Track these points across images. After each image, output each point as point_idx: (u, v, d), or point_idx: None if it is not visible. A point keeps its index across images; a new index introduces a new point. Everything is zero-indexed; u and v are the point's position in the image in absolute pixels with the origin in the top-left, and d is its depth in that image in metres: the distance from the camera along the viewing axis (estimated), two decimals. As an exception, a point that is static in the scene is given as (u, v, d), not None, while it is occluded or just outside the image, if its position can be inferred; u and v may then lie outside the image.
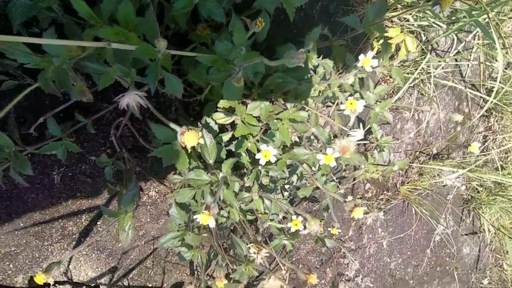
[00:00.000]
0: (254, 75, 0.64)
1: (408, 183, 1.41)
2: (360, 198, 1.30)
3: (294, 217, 0.56)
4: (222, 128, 0.74)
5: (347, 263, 1.35)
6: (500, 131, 1.68)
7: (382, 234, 1.42)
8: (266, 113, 0.60)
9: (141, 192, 0.88)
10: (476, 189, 1.72)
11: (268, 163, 0.64)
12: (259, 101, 0.60)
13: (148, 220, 0.90)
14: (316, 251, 1.25)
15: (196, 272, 0.96)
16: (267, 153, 0.55)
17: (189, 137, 0.38)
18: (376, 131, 1.04)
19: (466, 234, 1.84)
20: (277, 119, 0.63)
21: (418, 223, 1.55)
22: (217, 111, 0.62)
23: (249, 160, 0.67)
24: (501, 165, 1.62)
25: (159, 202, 0.90)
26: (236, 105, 0.59)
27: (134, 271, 0.93)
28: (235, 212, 0.64)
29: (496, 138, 1.65)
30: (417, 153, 1.46)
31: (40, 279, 0.45)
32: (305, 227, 0.62)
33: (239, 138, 0.68)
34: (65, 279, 0.85)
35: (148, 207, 0.89)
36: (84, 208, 0.82)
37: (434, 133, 1.51)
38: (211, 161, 0.53)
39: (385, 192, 1.38)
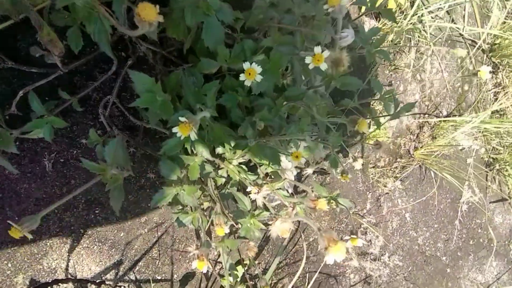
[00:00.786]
0: (235, 20, 0.61)
1: (421, 147, 1.34)
2: (373, 167, 1.23)
3: (293, 149, 0.50)
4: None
5: (370, 240, 1.25)
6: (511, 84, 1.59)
7: (403, 206, 1.32)
8: (251, 53, 0.56)
9: (138, 175, 0.84)
10: (496, 149, 1.62)
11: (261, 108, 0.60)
12: (243, 43, 0.57)
13: (149, 205, 0.86)
14: (334, 228, 1.17)
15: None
16: (252, 71, 0.49)
17: (145, 10, 0.30)
18: (377, 87, 0.99)
19: (495, 202, 1.71)
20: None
21: (440, 191, 1.45)
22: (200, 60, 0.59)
23: (243, 115, 0.63)
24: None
25: (158, 184, 0.86)
26: (220, 48, 0.55)
27: (140, 263, 0.87)
28: (233, 169, 0.59)
29: (508, 92, 1.57)
30: (426, 115, 1.39)
31: (15, 233, 0.41)
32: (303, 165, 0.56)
33: (228, 92, 0.64)
34: (68, 276, 0.80)
35: (147, 190, 0.85)
36: (80, 196, 0.79)
37: (441, 93, 1.44)
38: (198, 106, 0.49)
39: (398, 160, 1.31)
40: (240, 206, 0.57)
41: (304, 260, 1.02)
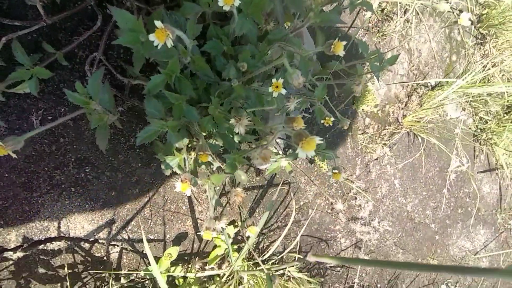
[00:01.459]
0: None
1: (409, 115, 1.36)
2: (362, 133, 1.25)
3: (274, 80, 0.51)
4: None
5: (360, 205, 1.28)
6: (499, 54, 1.61)
7: (392, 172, 1.35)
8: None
9: (128, 135, 0.84)
10: (483, 119, 1.65)
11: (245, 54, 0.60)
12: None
13: (140, 164, 0.87)
14: (324, 192, 1.19)
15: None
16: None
17: None
18: (363, 47, 1.00)
19: (482, 172, 1.76)
20: None
21: (429, 160, 1.48)
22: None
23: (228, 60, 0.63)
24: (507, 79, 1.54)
25: (147, 144, 0.86)
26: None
27: (132, 222, 0.88)
28: (214, 109, 0.59)
29: (495, 62, 1.59)
30: (415, 85, 1.41)
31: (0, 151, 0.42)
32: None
33: (212, 39, 0.65)
34: (60, 234, 0.81)
35: (137, 150, 0.86)
36: (70, 154, 0.79)
37: (429, 63, 1.46)
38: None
39: (387, 127, 1.33)
40: (225, 145, 0.58)
41: (290, 221, 1.04)
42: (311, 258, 0.34)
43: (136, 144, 0.54)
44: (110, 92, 0.58)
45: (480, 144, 1.69)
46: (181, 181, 0.49)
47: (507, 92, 1.46)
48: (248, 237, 0.84)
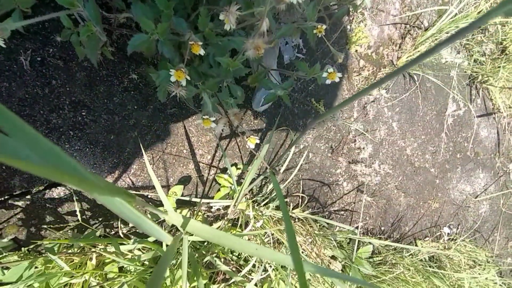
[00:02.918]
0: None
1: (404, 56, 1.32)
2: (357, 75, 1.22)
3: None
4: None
5: (359, 147, 1.27)
6: (491, -7, 1.55)
7: (390, 114, 1.33)
8: None
9: (121, 76, 0.82)
10: (478, 60, 1.61)
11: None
12: None
13: (136, 107, 0.85)
14: (324, 136, 1.18)
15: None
16: None
17: None
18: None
19: (480, 116, 1.73)
20: None
21: (426, 103, 1.45)
22: None
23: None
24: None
25: (142, 86, 0.84)
26: None
27: (134, 166, 0.88)
28: (209, 32, 0.57)
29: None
30: (408, 26, 1.37)
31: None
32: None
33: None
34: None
35: (132, 92, 0.84)
36: (64, 97, 0.77)
37: (421, 3, 1.41)
38: None
39: (382, 69, 1.30)
40: (217, 53, 0.56)
41: (298, 167, 1.03)
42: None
43: (127, 53, 0.52)
44: (96, 7, 0.56)
45: (476, 87, 1.66)
46: (176, 70, 0.47)
47: (501, 27, 1.42)
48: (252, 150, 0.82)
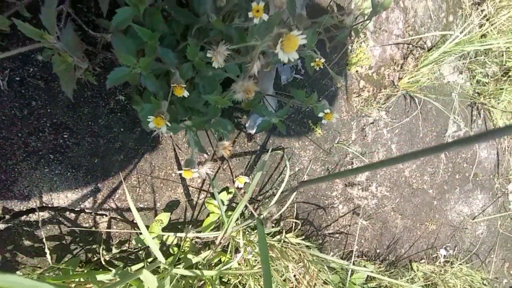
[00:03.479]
0: None
1: (406, 76, 1.28)
2: (357, 96, 1.18)
3: (253, 3, 0.42)
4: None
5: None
6: (497, 14, 1.52)
7: (389, 136, 1.29)
8: None
9: (107, 97, 0.77)
10: (481, 82, 1.57)
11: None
12: None
13: (122, 129, 0.80)
14: (320, 159, 1.13)
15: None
16: None
17: None
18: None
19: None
20: None
21: (426, 124, 1.41)
22: None
23: None
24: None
25: (129, 108, 0.79)
26: None
27: (119, 191, 0.82)
28: (198, 61, 0.52)
29: (494, 23, 1.49)
30: (411, 46, 1.32)
31: None
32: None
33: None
34: (43, 204, 0.75)
35: (118, 114, 0.79)
36: (44, 119, 0.72)
37: (425, 23, 1.36)
38: None
39: (383, 90, 1.25)
40: (207, 88, 0.51)
41: (283, 185, 0.98)
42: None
43: (106, 87, 0.47)
44: (74, 34, 0.51)
45: (477, 108, 1.62)
46: (155, 116, 0.43)
47: (505, 49, 1.38)
48: (239, 189, 0.78)
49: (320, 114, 0.55)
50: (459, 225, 1.69)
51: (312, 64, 0.59)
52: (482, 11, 1.56)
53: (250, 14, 0.42)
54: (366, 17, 0.89)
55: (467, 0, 1.52)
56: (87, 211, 0.80)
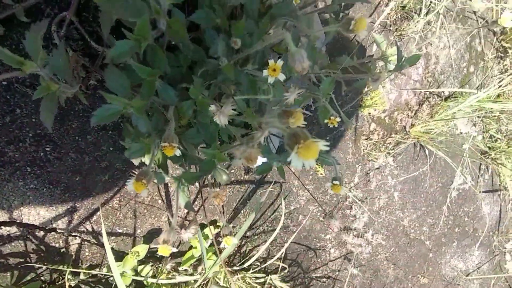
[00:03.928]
0: None
1: (418, 124, 1.22)
2: (366, 139, 1.12)
3: (271, 61, 0.37)
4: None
5: (355, 215, 1.16)
6: (519, 70, 1.47)
7: (393, 183, 1.22)
8: None
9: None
10: (494, 137, 1.52)
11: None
12: None
13: (111, 148, 0.73)
14: (318, 199, 1.06)
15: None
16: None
17: None
18: (380, 42, 0.86)
19: (485, 192, 1.63)
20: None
21: (432, 174, 1.35)
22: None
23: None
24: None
25: (121, 125, 0.73)
26: None
27: (98, 213, 0.76)
28: (202, 100, 0.46)
29: (514, 78, 1.44)
30: (427, 93, 1.27)
31: None
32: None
33: (204, 7, 0.51)
34: (12, 219, 0.69)
35: (110, 132, 0.73)
36: (27, 129, 0.66)
37: (445, 71, 1.31)
38: None
39: (393, 135, 1.19)
40: (205, 137, 0.45)
41: (279, 227, 0.91)
42: None
43: (90, 125, 0.41)
44: (66, 55, 0.45)
45: (487, 163, 1.56)
46: (136, 178, 0.37)
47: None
48: (221, 250, 0.71)
49: (328, 184, 0.49)
50: (452, 280, 1.61)
51: (326, 121, 0.53)
52: (504, 65, 1.52)
53: (265, 72, 0.36)
54: (389, 64, 0.83)
55: (490, 53, 1.48)
56: (59, 230, 0.73)
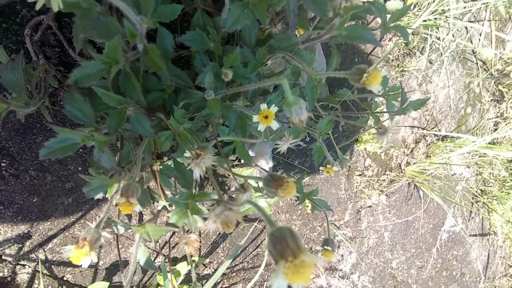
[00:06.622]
0: None
1: (414, 163, 1.19)
2: (360, 175, 1.07)
3: (262, 105, 0.31)
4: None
5: (342, 255, 1.09)
6: (514, 116, 1.47)
7: (384, 223, 1.17)
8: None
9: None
10: (487, 180, 1.50)
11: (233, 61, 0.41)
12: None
13: (80, 168, 0.65)
14: (305, 236, 0.99)
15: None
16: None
17: None
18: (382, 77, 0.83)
19: (474, 235, 1.60)
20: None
21: (425, 215, 1.30)
22: None
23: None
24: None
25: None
26: None
27: (55, 240, 0.67)
28: (183, 132, 0.40)
29: (509, 123, 1.45)
30: (424, 131, 1.24)
31: None
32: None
33: (196, 29, 0.46)
34: (-51, 242, 0.59)
35: (80, 150, 0.65)
36: (-18, 140, 0.58)
37: (443, 110, 1.30)
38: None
39: (387, 172, 1.15)
40: (179, 181, 0.38)
41: (263, 266, 0.84)
42: None
43: (40, 158, 0.34)
44: (21, 71, 0.38)
45: (478, 206, 1.53)
46: (76, 242, 0.29)
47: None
48: None
49: (319, 247, 0.43)
50: (437, 327, 1.54)
51: (321, 168, 0.47)
52: (499, 110, 1.52)
53: (255, 118, 0.30)
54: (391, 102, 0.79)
55: (487, 96, 1.48)
56: (5, 257, 0.63)
